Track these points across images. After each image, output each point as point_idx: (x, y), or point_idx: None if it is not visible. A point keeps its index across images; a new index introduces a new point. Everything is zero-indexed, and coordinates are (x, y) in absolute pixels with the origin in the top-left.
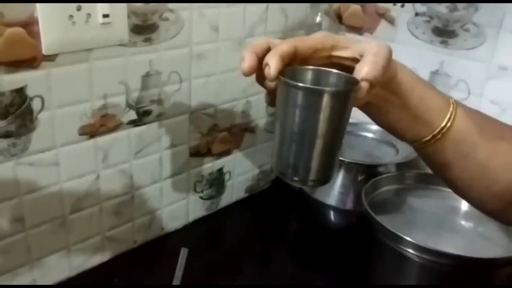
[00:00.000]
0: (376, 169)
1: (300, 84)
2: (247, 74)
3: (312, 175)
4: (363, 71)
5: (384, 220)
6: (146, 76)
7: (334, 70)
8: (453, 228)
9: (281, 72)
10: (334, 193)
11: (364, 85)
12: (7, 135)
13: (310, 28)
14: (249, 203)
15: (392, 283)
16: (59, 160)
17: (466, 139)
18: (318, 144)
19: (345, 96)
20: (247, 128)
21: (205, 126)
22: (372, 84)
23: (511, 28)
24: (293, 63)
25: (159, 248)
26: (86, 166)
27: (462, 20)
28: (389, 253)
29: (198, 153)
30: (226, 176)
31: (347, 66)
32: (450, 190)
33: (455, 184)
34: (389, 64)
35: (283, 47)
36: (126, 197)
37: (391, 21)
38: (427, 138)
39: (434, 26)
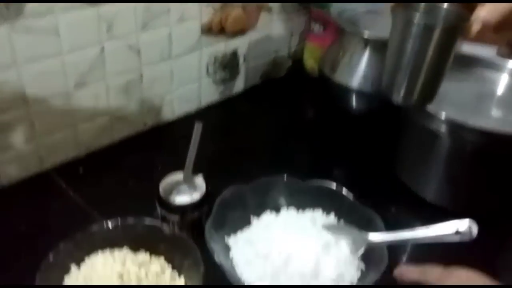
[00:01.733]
0: None
1: (412, 18)
2: None
3: (415, 96)
4: (479, 12)
5: None
6: None
7: (446, 5)
8: (484, 113)
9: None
10: (358, 75)
11: (475, 26)
12: None
13: None
14: (264, 90)
15: (422, 163)
16: (59, 28)
17: None
18: (425, 69)
19: (453, 31)
20: (263, 6)
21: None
22: (484, 24)
23: None
24: None
25: (170, 131)
26: (89, 36)
27: None
28: (418, 132)
29: (210, 30)
30: (240, 59)
31: None
32: (484, 75)
33: None
34: None
35: None
36: (134, 76)
37: None
38: None
39: None
